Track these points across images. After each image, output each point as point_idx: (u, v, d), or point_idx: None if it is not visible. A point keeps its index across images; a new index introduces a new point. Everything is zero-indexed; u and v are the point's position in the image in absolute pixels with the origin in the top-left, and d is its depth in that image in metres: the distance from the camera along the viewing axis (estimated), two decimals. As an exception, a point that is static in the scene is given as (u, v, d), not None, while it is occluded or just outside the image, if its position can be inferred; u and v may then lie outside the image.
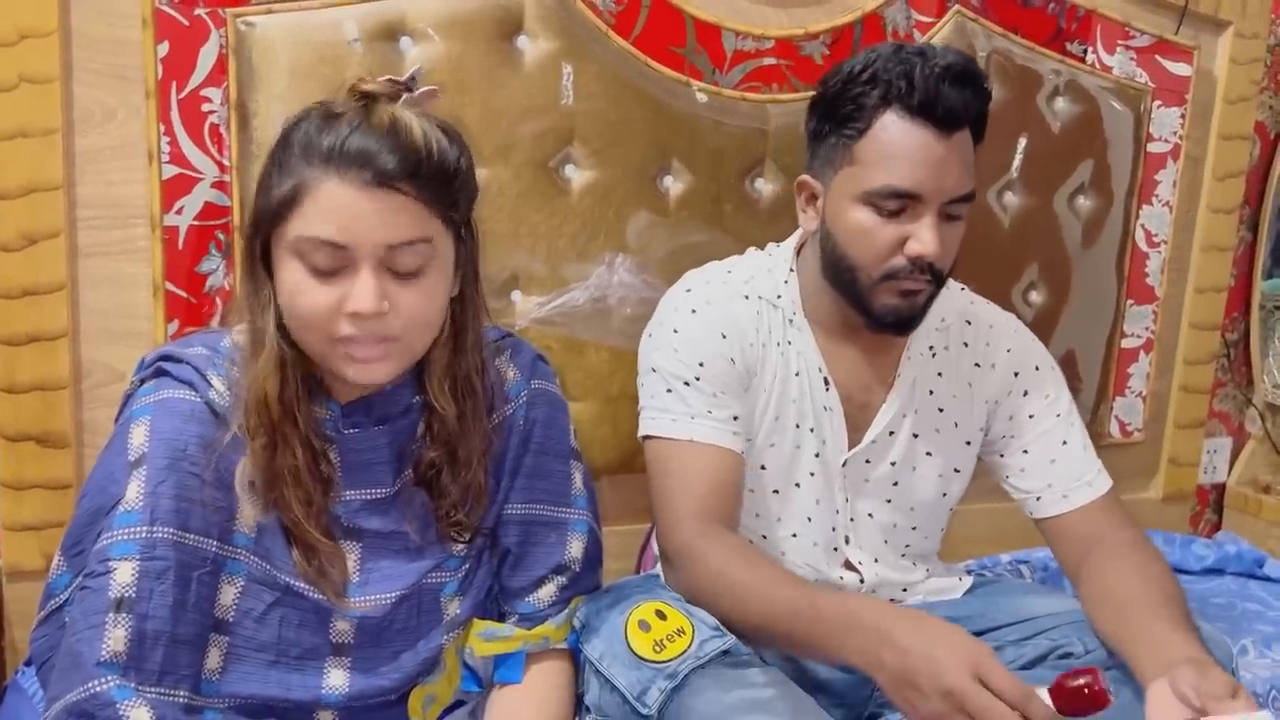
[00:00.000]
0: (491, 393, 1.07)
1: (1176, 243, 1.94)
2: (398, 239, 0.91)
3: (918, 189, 1.09)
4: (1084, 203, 1.84)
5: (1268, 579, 1.83)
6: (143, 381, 1.01)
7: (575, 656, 1.15)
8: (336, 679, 1.02)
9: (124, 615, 0.90)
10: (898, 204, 1.10)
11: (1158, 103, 1.86)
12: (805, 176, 1.20)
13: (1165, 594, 1.09)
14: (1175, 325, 1.99)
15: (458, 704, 1.13)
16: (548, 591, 1.11)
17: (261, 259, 0.96)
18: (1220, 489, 2.18)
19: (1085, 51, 1.80)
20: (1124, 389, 1.94)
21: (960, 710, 0.87)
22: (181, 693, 0.93)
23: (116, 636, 0.90)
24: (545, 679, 1.11)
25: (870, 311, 1.15)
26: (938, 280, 1.14)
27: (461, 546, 1.07)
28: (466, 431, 1.03)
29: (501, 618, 1.12)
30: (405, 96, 0.97)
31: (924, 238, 1.09)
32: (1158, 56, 1.85)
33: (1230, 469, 2.17)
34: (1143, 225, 1.90)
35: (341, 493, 1.02)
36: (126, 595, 0.90)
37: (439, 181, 0.93)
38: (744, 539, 1.19)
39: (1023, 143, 1.76)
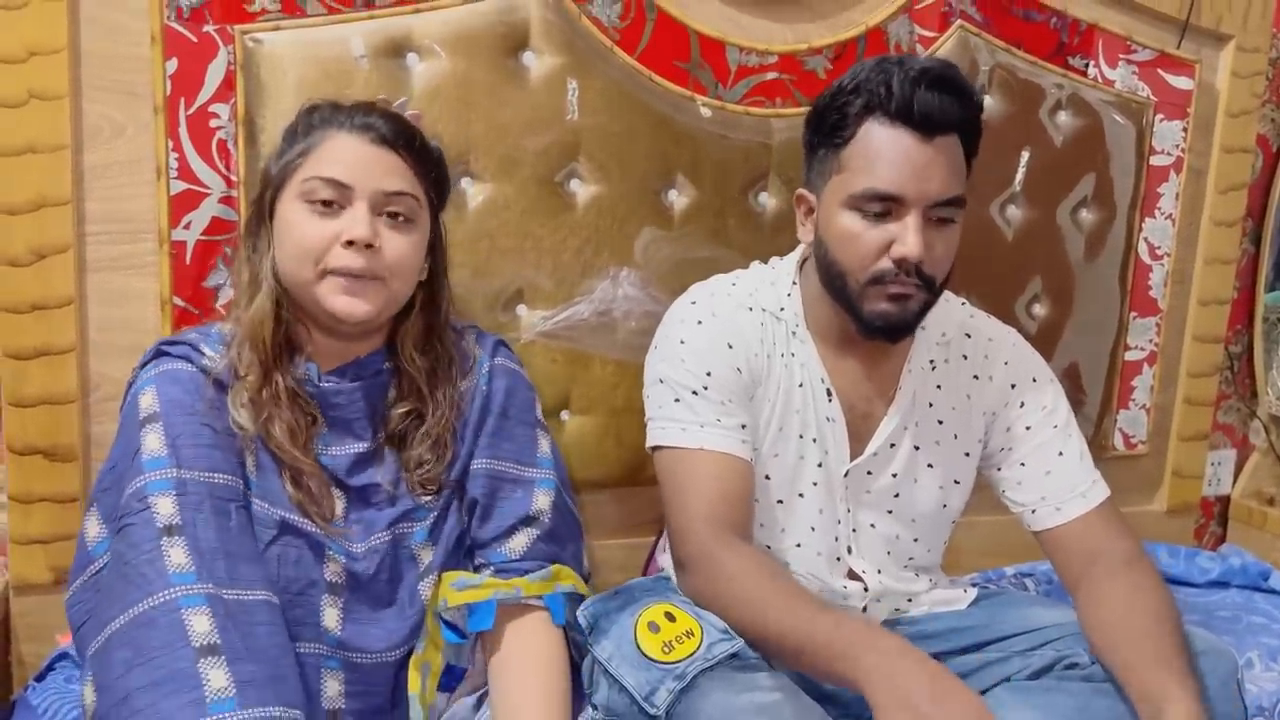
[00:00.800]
0: (458, 362, 1.19)
1: (1179, 255, 1.95)
2: (392, 187, 1.09)
3: (899, 191, 1.11)
4: (1087, 216, 1.84)
5: (1273, 591, 1.83)
6: (143, 366, 1.10)
7: (567, 635, 1.18)
8: (330, 619, 1.08)
9: (177, 538, 0.97)
10: (881, 207, 1.12)
11: (1160, 116, 1.87)
12: (802, 190, 1.22)
13: (1152, 620, 1.10)
14: (1179, 338, 1.99)
15: (450, 674, 1.17)
16: (519, 542, 1.17)
17: (268, 214, 1.11)
18: (1225, 501, 2.18)
19: (1087, 65, 1.81)
20: (1128, 401, 1.95)
21: None
22: (259, 592, 1.00)
23: (177, 553, 0.96)
24: (535, 642, 1.14)
25: (861, 317, 1.16)
26: (929, 286, 1.14)
27: (429, 498, 1.15)
28: (435, 389, 1.16)
29: (478, 571, 1.17)
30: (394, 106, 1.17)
31: (907, 240, 1.11)
32: (1160, 70, 1.86)
33: (1235, 481, 2.17)
34: (1145, 238, 1.91)
35: (327, 448, 1.12)
36: (174, 523, 0.97)
37: (425, 157, 1.14)
38: (758, 548, 1.19)
39: (1025, 156, 1.77)
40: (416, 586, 1.13)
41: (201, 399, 1.06)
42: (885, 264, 1.13)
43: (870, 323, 1.16)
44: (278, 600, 1.02)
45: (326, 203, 1.07)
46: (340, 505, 1.12)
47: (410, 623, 1.12)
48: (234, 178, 1.40)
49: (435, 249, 1.18)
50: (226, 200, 1.41)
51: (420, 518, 1.15)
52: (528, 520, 1.17)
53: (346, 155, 1.08)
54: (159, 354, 1.10)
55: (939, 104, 1.10)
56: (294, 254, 1.08)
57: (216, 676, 0.91)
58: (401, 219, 1.10)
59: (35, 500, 1.38)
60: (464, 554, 1.18)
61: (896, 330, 1.17)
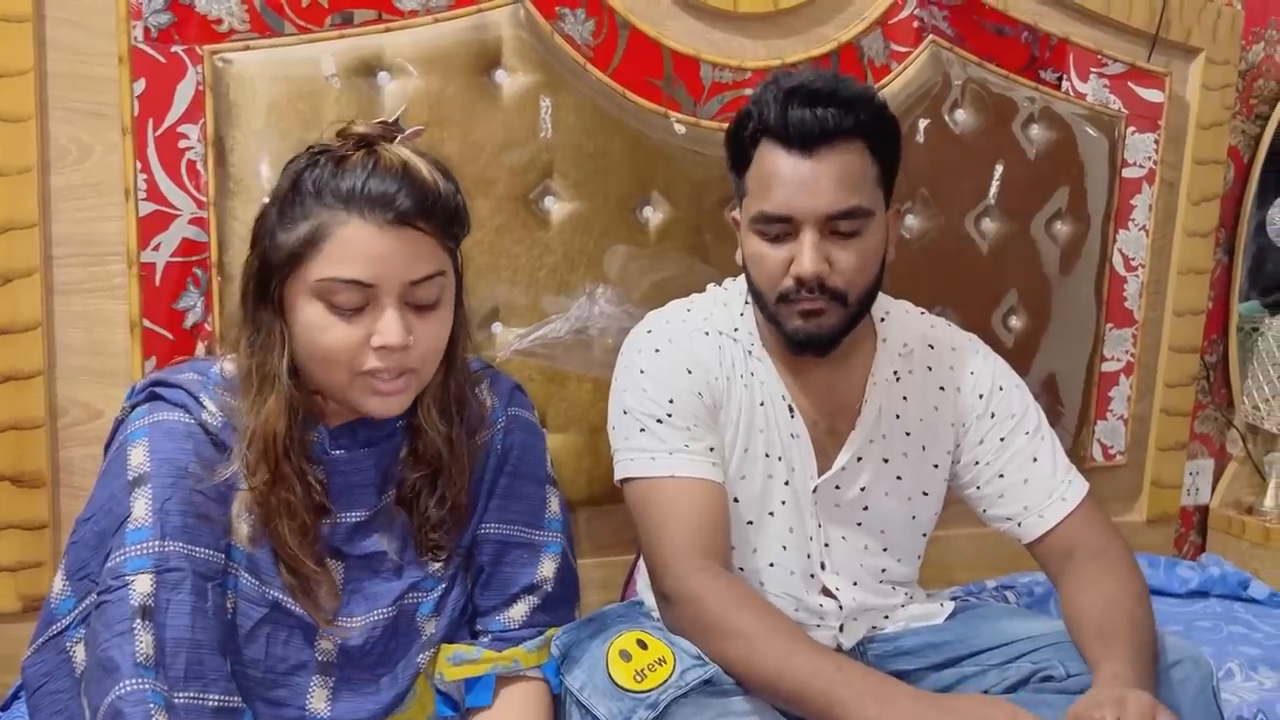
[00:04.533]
0: (473, 417, 1.10)
1: (1154, 266, 1.96)
2: (419, 274, 0.97)
3: (786, 211, 1.12)
4: (1061, 228, 1.85)
5: (1253, 600, 1.84)
6: (134, 407, 1.03)
7: (553, 691, 1.14)
8: (319, 699, 1.04)
9: (148, 623, 0.92)
10: (778, 227, 1.13)
11: (1131, 129, 1.88)
12: (733, 213, 1.24)
13: (1102, 601, 1.12)
14: (1155, 348, 2.00)
15: None
16: (519, 611, 1.13)
17: (274, 302, 0.99)
18: (1204, 511, 2.18)
19: (1059, 79, 1.83)
20: (1105, 412, 1.95)
21: None
22: (212, 697, 0.95)
23: (146, 641, 0.92)
24: (523, 707, 1.11)
25: (785, 334, 1.17)
26: (841, 300, 1.14)
27: (438, 567, 1.09)
28: (453, 452, 1.07)
29: (475, 638, 1.13)
30: (399, 138, 1.01)
31: (801, 257, 1.12)
32: (1130, 83, 1.87)
33: (1213, 491, 2.18)
34: (1120, 249, 1.92)
35: (332, 518, 1.04)
36: (148, 604, 0.93)
37: (447, 217, 0.99)
38: (742, 580, 1.19)
39: (999, 169, 1.78)
40: (416, 659, 1.08)
41: (197, 458, 0.98)
42: (788, 282, 1.14)
43: (792, 337, 1.17)
44: (235, 701, 0.97)
45: (352, 307, 0.95)
46: (336, 579, 1.05)
47: (403, 690, 1.08)
48: (204, 198, 1.39)
49: (456, 290, 1.06)
50: (197, 221, 1.39)
51: (429, 588, 1.09)
52: (531, 588, 1.13)
53: (364, 248, 0.94)
54: (153, 396, 1.01)
55: (815, 118, 1.10)
56: (319, 359, 0.97)
57: None
58: (433, 302, 0.99)
59: (3, 527, 1.37)
60: (465, 622, 1.14)
61: (819, 346, 1.17)
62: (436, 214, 0.97)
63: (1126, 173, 1.90)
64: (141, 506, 0.95)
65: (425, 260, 0.97)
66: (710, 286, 1.33)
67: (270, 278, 0.98)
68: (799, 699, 1.02)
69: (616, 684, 1.04)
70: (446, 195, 0.99)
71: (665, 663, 1.05)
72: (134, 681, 0.90)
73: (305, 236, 0.95)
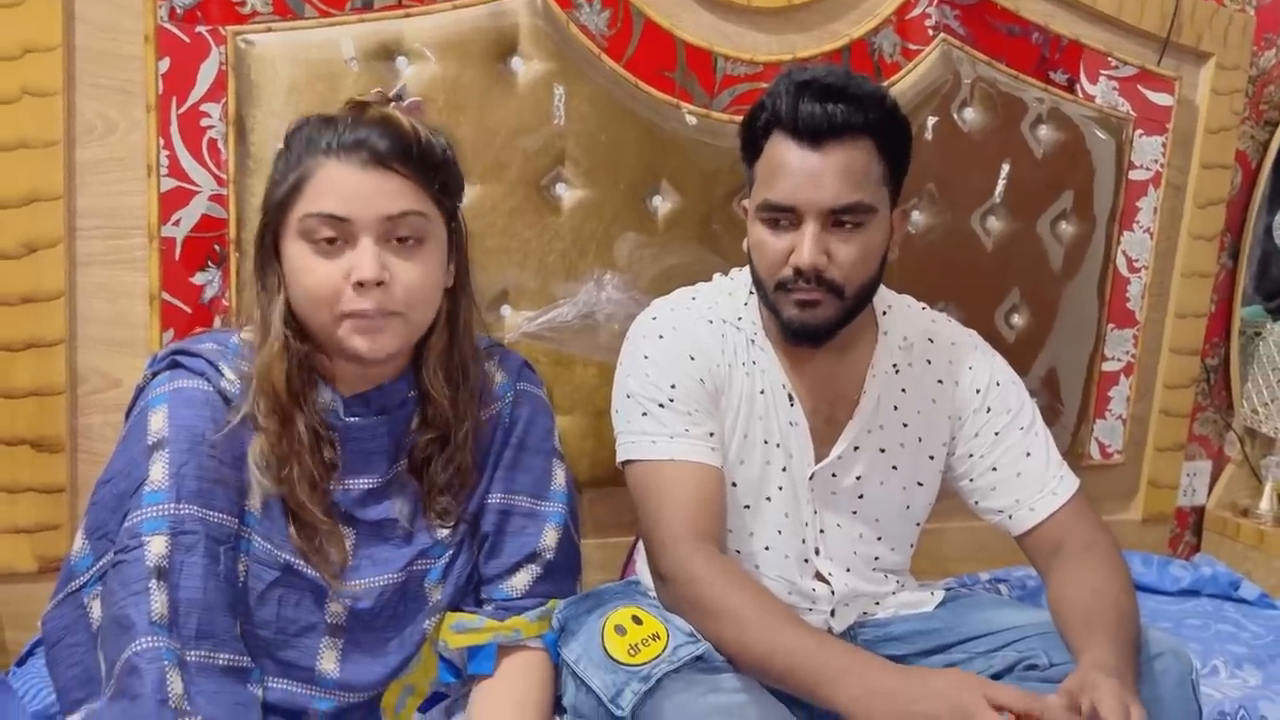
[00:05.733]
0: (481, 389, 1.14)
1: (1157, 268, 1.98)
2: (394, 209, 1.01)
3: (790, 201, 1.14)
4: (1066, 228, 1.87)
5: (1243, 601, 1.86)
6: (155, 374, 1.06)
7: (555, 661, 1.17)
8: (328, 661, 1.07)
9: (163, 583, 0.96)
10: (781, 216, 1.16)
11: (1139, 131, 1.90)
12: (743, 200, 1.26)
13: (1088, 593, 1.14)
14: (1156, 350, 2.02)
15: (436, 697, 1.17)
16: (521, 579, 1.16)
17: (271, 251, 1.04)
18: (1199, 512, 2.20)
19: (1069, 81, 1.84)
20: (1104, 411, 1.97)
21: None
22: (222, 655, 0.99)
23: (160, 600, 0.95)
24: (525, 677, 1.14)
25: (782, 323, 1.20)
26: (838, 292, 1.17)
27: (446, 533, 1.13)
28: (459, 417, 1.11)
29: (479, 605, 1.16)
30: (394, 105, 1.06)
31: (801, 248, 1.14)
32: (1140, 86, 1.89)
33: (1209, 492, 2.20)
34: (1124, 251, 1.94)
35: (341, 480, 1.08)
36: (163, 565, 0.96)
37: (428, 164, 1.04)
38: (736, 561, 1.22)
39: (1006, 168, 1.80)
40: (423, 624, 1.12)
41: (214, 425, 1.02)
42: (788, 272, 1.16)
43: (788, 326, 1.19)
44: (244, 661, 1.01)
45: (329, 239, 1.00)
46: (349, 541, 1.08)
47: (409, 654, 1.11)
48: (224, 176, 1.42)
49: (457, 250, 1.10)
50: (216, 198, 1.43)
51: (437, 555, 1.12)
52: (533, 557, 1.16)
53: (340, 185, 0.99)
54: (174, 364, 1.05)
55: (824, 113, 1.13)
56: (306, 300, 1.02)
57: None
58: (411, 242, 1.02)
59: (22, 490, 1.40)
60: (470, 589, 1.17)
61: (813, 336, 1.20)
62: (415, 159, 1.02)
63: (1133, 175, 1.91)
64: (159, 470, 0.99)
65: (402, 197, 1.01)
66: (716, 276, 1.36)
67: (268, 231, 1.04)
68: (787, 678, 1.05)
69: (611, 657, 1.08)
70: (427, 144, 1.03)
71: (659, 638, 1.08)
72: (149, 639, 0.94)
73: (292, 183, 1.01)
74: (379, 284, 1.00)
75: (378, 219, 1.00)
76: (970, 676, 1.00)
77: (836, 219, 1.15)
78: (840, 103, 1.13)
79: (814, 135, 1.13)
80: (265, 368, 1.02)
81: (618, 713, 1.04)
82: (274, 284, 1.04)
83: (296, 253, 1.01)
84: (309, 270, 1.01)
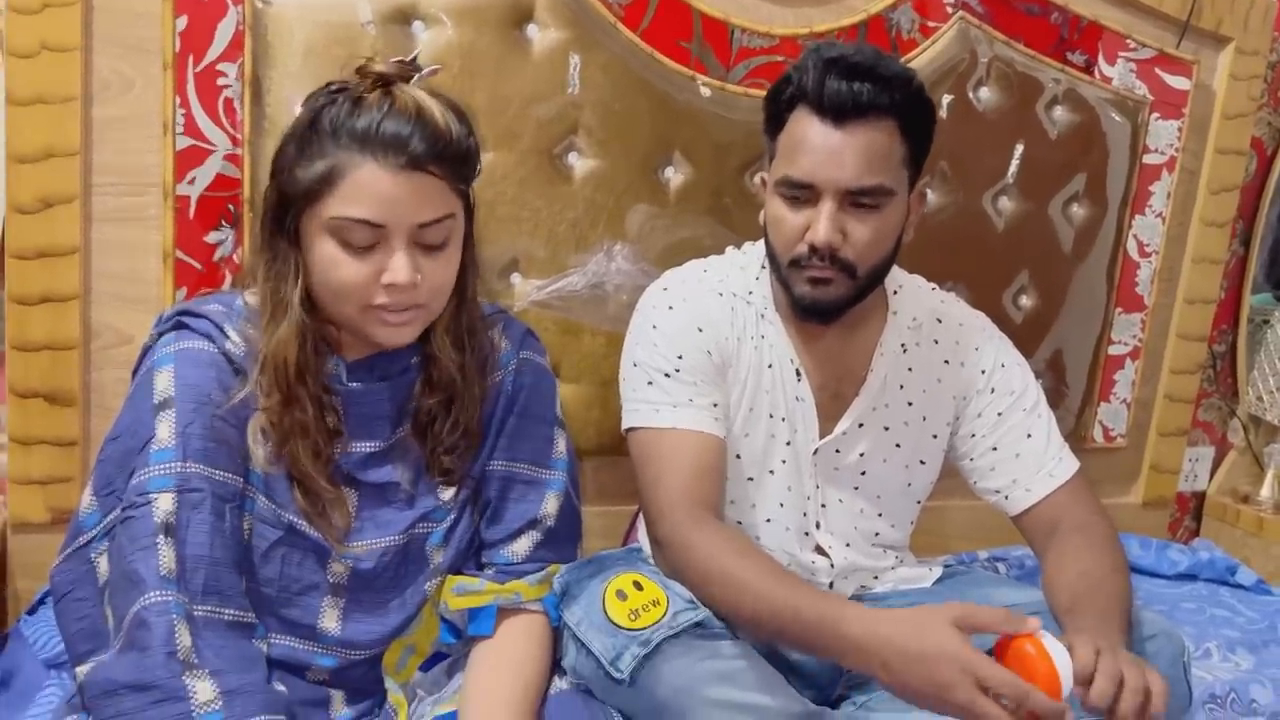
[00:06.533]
0: (486, 356, 1.15)
1: (1168, 253, 1.97)
2: (428, 217, 1.01)
3: (809, 178, 1.15)
4: (1078, 210, 1.87)
5: (1239, 586, 1.87)
6: (161, 334, 1.07)
7: (553, 625, 1.19)
8: (330, 619, 1.09)
9: (170, 539, 0.97)
10: (800, 193, 1.16)
11: (1155, 115, 1.89)
12: (762, 173, 1.26)
13: (1087, 587, 1.13)
14: (1163, 335, 2.02)
15: (438, 656, 1.18)
16: (522, 545, 1.18)
17: (292, 233, 1.03)
18: (1200, 497, 2.21)
19: (1086, 62, 1.83)
20: (1109, 395, 1.98)
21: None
22: (228, 611, 1.00)
23: (168, 556, 0.97)
24: (524, 639, 1.15)
25: (793, 298, 1.20)
26: (851, 272, 1.17)
27: (449, 496, 1.14)
28: (466, 379, 1.12)
29: (480, 569, 1.18)
30: (415, 77, 1.04)
31: (817, 225, 1.15)
32: (1158, 69, 1.88)
33: (1211, 478, 2.21)
34: (1135, 235, 1.93)
35: (345, 444, 1.09)
36: (170, 521, 0.98)
37: (459, 161, 1.04)
38: (733, 527, 1.23)
39: (1019, 149, 1.79)
40: (424, 586, 1.14)
41: (219, 386, 1.03)
42: (803, 248, 1.17)
43: (799, 303, 1.20)
44: (249, 617, 1.02)
45: (363, 244, 1.00)
46: (351, 503, 1.10)
47: (410, 615, 1.13)
48: (239, 136, 1.43)
49: (467, 221, 1.10)
50: (231, 158, 1.43)
51: (439, 518, 1.14)
52: (533, 523, 1.18)
53: (376, 190, 0.98)
54: (179, 325, 1.06)
55: (850, 91, 1.12)
56: (331, 291, 1.03)
57: (203, 689, 0.93)
58: (441, 243, 1.04)
59: (35, 442, 1.42)
60: (471, 554, 1.19)
61: (823, 313, 1.20)
62: (448, 158, 1.02)
63: (1147, 159, 1.90)
64: (165, 429, 1.00)
65: (435, 203, 1.01)
66: (729, 249, 1.37)
67: (287, 211, 1.03)
68: (790, 628, 1.04)
69: (612, 621, 1.10)
70: (459, 139, 1.03)
71: (659, 604, 1.10)
72: (158, 593, 0.95)
73: (321, 174, 0.99)
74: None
75: (412, 226, 1.00)
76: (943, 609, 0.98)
77: (854, 199, 1.15)
78: (867, 81, 1.13)
79: (838, 113, 1.13)
80: (280, 345, 1.03)
81: (617, 675, 1.07)
82: (290, 267, 1.04)
83: (324, 246, 1.01)
84: (337, 265, 1.01)
